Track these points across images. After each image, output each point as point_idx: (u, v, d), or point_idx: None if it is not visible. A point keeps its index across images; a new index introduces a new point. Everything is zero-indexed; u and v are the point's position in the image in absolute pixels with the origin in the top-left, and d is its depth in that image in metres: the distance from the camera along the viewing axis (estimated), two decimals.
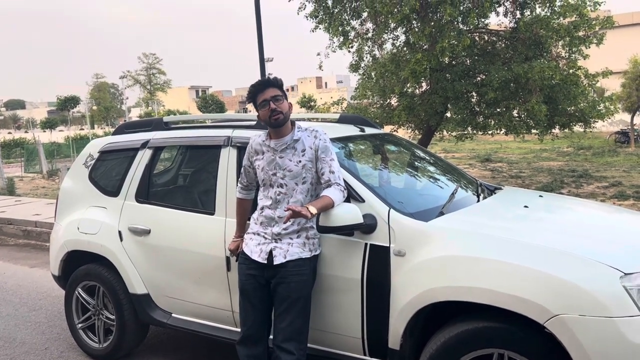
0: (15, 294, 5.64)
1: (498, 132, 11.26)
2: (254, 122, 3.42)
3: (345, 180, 2.84)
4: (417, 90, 11.37)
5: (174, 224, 3.47)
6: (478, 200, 3.31)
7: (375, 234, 2.74)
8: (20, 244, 8.32)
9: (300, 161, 2.78)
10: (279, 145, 2.82)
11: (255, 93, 2.81)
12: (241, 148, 3.30)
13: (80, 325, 4.00)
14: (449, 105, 10.94)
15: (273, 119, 2.76)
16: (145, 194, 3.70)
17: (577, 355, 2.21)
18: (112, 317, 3.79)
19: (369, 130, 3.80)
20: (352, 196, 2.84)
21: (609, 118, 11.17)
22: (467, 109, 10.92)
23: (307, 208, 2.57)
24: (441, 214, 2.84)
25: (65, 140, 31.01)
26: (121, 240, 3.69)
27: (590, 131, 11.95)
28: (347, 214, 2.65)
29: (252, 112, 3.30)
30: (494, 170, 16.85)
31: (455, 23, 10.09)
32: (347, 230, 2.70)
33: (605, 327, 2.19)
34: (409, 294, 2.58)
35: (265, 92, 2.77)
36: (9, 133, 60.63)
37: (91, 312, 3.95)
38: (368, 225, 2.73)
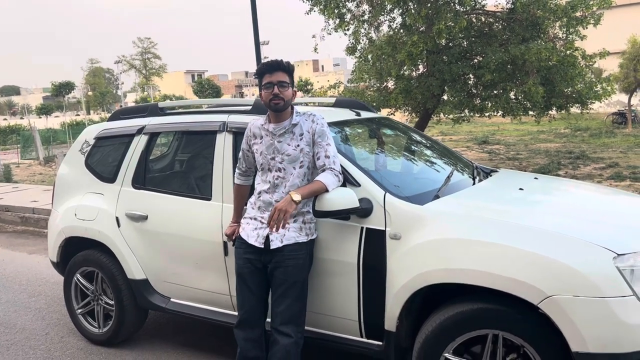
0: (14, 280, 5.67)
1: (495, 114, 11.25)
2: (250, 107, 3.41)
3: (341, 165, 2.85)
4: (413, 73, 11.32)
5: (171, 209, 3.48)
6: (474, 183, 3.32)
7: (371, 217, 2.75)
8: (19, 231, 8.33)
9: (298, 145, 2.79)
10: (277, 129, 2.82)
11: (264, 71, 2.79)
12: (237, 133, 3.30)
13: (79, 310, 4.03)
14: (445, 87, 10.90)
15: (273, 103, 2.76)
16: (141, 180, 3.70)
17: (570, 335, 2.25)
18: (111, 302, 3.82)
19: (365, 114, 3.80)
20: (348, 180, 2.85)
21: (606, 99, 11.16)
22: (464, 92, 10.88)
23: (291, 196, 2.59)
24: (436, 197, 2.86)
25: (61, 127, 30.88)
26: (119, 226, 3.70)
27: (587, 112, 11.93)
28: (343, 198, 2.66)
29: (248, 97, 3.30)
30: (491, 152, 16.85)
31: (452, 4, 10.01)
32: (343, 215, 2.72)
33: (598, 307, 2.22)
34: (404, 276, 2.60)
35: (274, 75, 2.75)
36: (4, 119, 60.26)
37: (90, 298, 3.97)
38: (364, 210, 2.74)
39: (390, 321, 2.70)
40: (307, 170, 2.82)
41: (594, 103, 11.06)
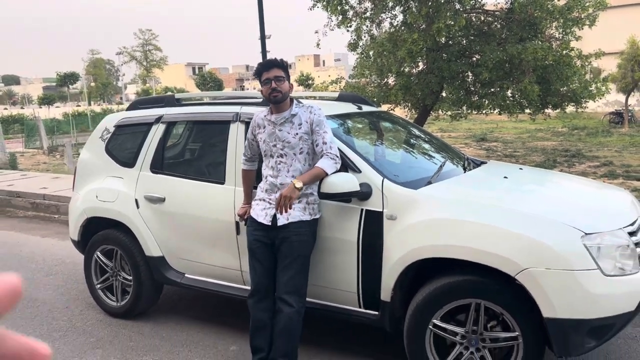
0: (31, 260, 5.99)
1: (492, 111, 11.57)
2: (260, 100, 3.73)
3: (343, 153, 3.17)
4: (414, 70, 11.62)
5: (187, 192, 3.81)
6: (465, 173, 3.64)
7: (370, 200, 3.08)
8: (30, 216, 8.64)
9: (297, 133, 3.11)
10: (278, 119, 3.15)
11: (261, 71, 3.13)
12: (249, 123, 3.61)
13: (99, 285, 4.36)
14: (444, 85, 11.21)
15: (272, 96, 3.10)
16: (159, 165, 4.02)
17: (542, 302, 2.58)
18: (129, 277, 4.14)
19: (366, 108, 4.12)
20: (349, 167, 3.17)
21: (600, 98, 11.47)
22: (462, 89, 11.19)
23: (294, 184, 2.93)
24: (429, 183, 3.18)
25: (64, 117, 31.13)
26: (137, 207, 4.02)
27: (582, 111, 12.24)
28: (345, 182, 2.99)
29: (249, 90, 3.61)
30: (488, 149, 17.15)
31: (452, 3, 10.31)
32: (345, 197, 3.05)
33: (567, 278, 2.56)
34: (399, 252, 2.93)
35: (270, 72, 3.10)
36: (5, 109, 60.45)
37: (109, 274, 4.30)
38: (364, 193, 3.06)
39: (386, 292, 3.03)
40: (307, 156, 3.14)
41: (588, 102, 11.37)
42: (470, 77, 11.27)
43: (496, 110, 11.48)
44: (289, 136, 3.11)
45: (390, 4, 10.60)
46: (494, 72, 10.33)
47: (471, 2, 10.11)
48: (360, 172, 3.15)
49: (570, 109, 11.98)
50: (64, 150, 16.95)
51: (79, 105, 54.93)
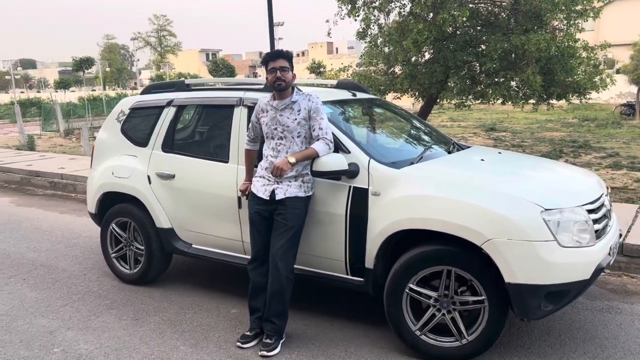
0: (50, 234, 6.43)
1: (495, 101, 11.78)
2: (262, 86, 4.07)
3: (335, 135, 3.51)
4: (420, 59, 11.85)
5: (194, 170, 4.17)
6: (447, 155, 3.96)
7: (358, 178, 3.42)
8: (48, 194, 9.10)
9: (295, 119, 3.45)
10: (280, 105, 3.49)
11: (267, 60, 3.47)
12: (251, 107, 3.96)
13: (114, 255, 4.76)
14: (449, 74, 11.43)
15: (276, 84, 3.43)
16: (170, 145, 4.39)
17: (504, 269, 2.92)
18: (141, 247, 4.54)
19: (360, 95, 4.45)
20: (340, 148, 3.51)
21: (604, 90, 11.63)
22: (467, 78, 11.41)
23: (287, 158, 3.29)
24: (411, 163, 3.52)
25: (80, 101, 31.74)
26: (149, 183, 4.40)
27: (594, 101, 12.39)
28: (335, 161, 3.33)
29: (262, 77, 3.95)
30: (497, 139, 17.34)
31: None
32: (335, 175, 3.39)
33: (526, 248, 2.89)
34: (381, 224, 3.28)
35: (276, 62, 3.42)
36: (22, 92, 61.44)
37: (123, 244, 4.70)
38: (352, 172, 3.41)
39: (369, 260, 3.39)
40: (304, 139, 3.48)
41: (591, 93, 11.54)
42: (476, 66, 11.48)
43: (500, 100, 11.69)
44: (288, 121, 3.45)
45: None
46: (499, 63, 10.53)
47: None
48: (349, 152, 3.48)
49: (574, 100, 12.15)
50: (80, 133, 17.45)
51: (94, 90, 55.70)
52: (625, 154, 13.77)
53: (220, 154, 4.14)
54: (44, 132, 22.17)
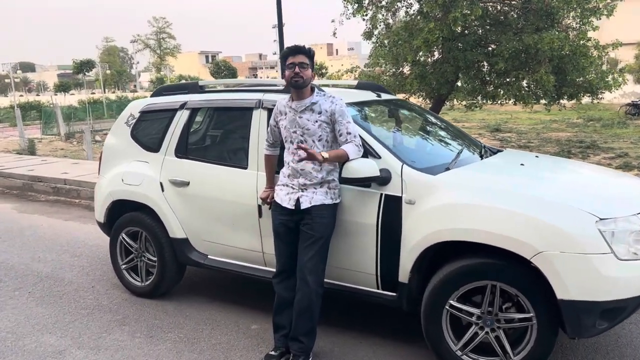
0: (55, 242, 6.18)
1: (507, 101, 11.56)
2: (282, 87, 3.84)
3: (363, 139, 3.27)
4: (429, 59, 11.64)
5: (211, 176, 3.93)
6: (481, 160, 3.72)
7: (390, 185, 3.18)
8: (51, 200, 8.85)
9: (317, 121, 3.21)
10: (299, 106, 3.24)
11: (287, 54, 3.23)
12: (271, 110, 3.71)
13: (124, 266, 4.52)
14: (460, 74, 11.22)
15: (293, 81, 3.19)
16: (184, 150, 4.15)
17: (556, 284, 2.67)
18: (154, 259, 4.29)
19: (384, 96, 4.21)
20: (369, 153, 3.27)
21: (617, 89, 11.42)
22: (477, 79, 11.19)
23: (321, 153, 3.03)
24: (447, 169, 3.28)
25: (80, 104, 31.47)
26: (162, 190, 4.15)
27: (598, 102, 12.19)
28: (366, 167, 3.09)
29: (261, 78, 3.71)
30: (502, 140, 17.12)
31: None
32: (365, 182, 3.15)
33: (581, 261, 2.65)
34: (417, 235, 3.04)
35: (296, 57, 3.19)
36: (21, 95, 61.15)
37: (134, 255, 4.45)
38: (383, 178, 3.16)
39: (404, 274, 3.14)
40: (325, 143, 3.23)
41: (604, 93, 11.33)
42: (486, 67, 11.27)
43: (511, 101, 11.48)
44: (308, 123, 3.21)
45: None
46: (510, 62, 10.32)
47: None
48: (380, 157, 3.24)
49: (585, 99, 11.93)
50: (81, 137, 17.22)
51: (94, 93, 55.47)
52: (635, 154, 13.57)
53: (238, 159, 3.90)
54: (44, 136, 21.92)
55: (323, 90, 3.38)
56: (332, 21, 12.95)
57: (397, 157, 3.24)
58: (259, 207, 3.66)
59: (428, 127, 4.22)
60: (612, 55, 11.24)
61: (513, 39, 10.19)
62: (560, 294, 2.68)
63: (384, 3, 11.82)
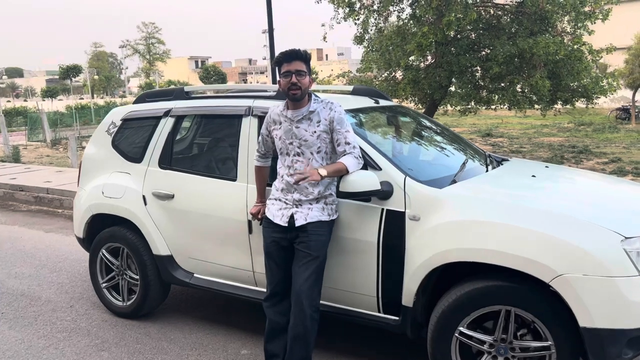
0: (34, 256, 5.85)
1: (501, 106, 11.38)
2: (274, 93, 3.57)
3: (362, 149, 3.01)
4: (422, 64, 11.43)
5: (197, 189, 3.65)
6: (487, 170, 3.47)
7: (391, 200, 2.92)
8: (33, 210, 8.50)
9: (315, 132, 2.93)
10: (295, 115, 2.97)
11: (281, 61, 2.93)
12: (262, 118, 3.45)
13: (104, 284, 4.21)
14: (453, 79, 11.02)
15: (291, 93, 2.90)
16: (168, 161, 3.86)
17: (579, 311, 2.42)
18: (136, 277, 3.99)
19: (382, 102, 3.96)
20: (369, 164, 3.01)
21: (612, 94, 11.28)
22: (471, 84, 11.00)
23: (318, 171, 2.76)
24: (454, 182, 3.02)
25: (67, 110, 30.97)
26: (145, 204, 3.86)
27: (593, 107, 12.06)
28: (365, 180, 2.82)
29: (251, 83, 3.44)
30: (494, 145, 16.97)
31: None
32: (365, 196, 2.89)
33: (606, 285, 2.39)
34: (423, 255, 2.77)
35: (292, 64, 2.89)
36: (8, 101, 60.31)
37: (115, 273, 4.15)
38: (385, 192, 2.90)
39: (408, 297, 2.88)
40: (325, 155, 2.97)
41: (600, 98, 11.18)
42: (480, 71, 11.08)
43: (505, 106, 11.29)
44: (306, 134, 2.94)
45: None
46: (504, 67, 10.14)
47: None
48: (380, 169, 2.98)
49: (579, 104, 11.78)
50: (67, 143, 16.81)
51: (82, 98, 54.88)
52: (627, 159, 13.49)
53: (227, 170, 3.62)
54: (29, 142, 21.46)
55: (318, 97, 3.12)
56: (323, 25, 12.72)
57: (399, 169, 2.97)
58: (249, 222, 3.38)
59: (429, 136, 3.95)
60: (601, 60, 11.13)
61: (507, 43, 10.02)
62: (583, 321, 2.43)
63: (375, 7, 11.61)
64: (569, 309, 2.46)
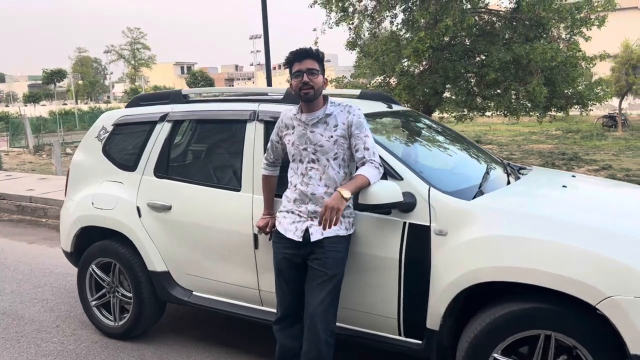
0: (16, 270, 5.50)
1: (497, 113, 11.25)
2: (281, 97, 3.32)
3: (381, 158, 2.77)
4: (416, 70, 11.27)
5: (197, 200, 3.37)
6: (508, 180, 3.25)
7: (415, 212, 2.68)
8: (15, 220, 8.12)
9: (332, 136, 2.70)
10: (310, 119, 2.73)
11: (292, 61, 2.72)
12: (268, 123, 3.20)
13: (94, 302, 3.90)
14: (448, 85, 10.87)
15: (303, 92, 2.67)
16: (164, 169, 3.58)
17: (630, 337, 2.18)
18: (129, 294, 3.70)
19: (395, 107, 3.72)
20: (389, 174, 2.76)
21: (607, 101, 11.22)
22: (465, 90, 10.85)
23: (340, 193, 2.51)
24: (480, 193, 2.78)
25: (50, 115, 30.35)
26: (140, 216, 3.57)
27: (587, 114, 12.00)
28: (387, 192, 2.58)
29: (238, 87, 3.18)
30: None
31: (459, 1, 9.96)
32: (386, 209, 2.64)
33: None
34: (452, 274, 2.53)
35: (303, 63, 2.67)
36: None
37: (106, 290, 3.84)
38: (407, 204, 2.66)
39: (434, 319, 2.63)
40: (342, 162, 2.73)
41: (595, 104, 11.11)
42: (475, 78, 10.94)
43: (498, 112, 11.15)
44: (322, 139, 2.69)
45: (400, 4, 10.12)
46: (500, 73, 10.02)
47: (481, 0, 9.77)
48: (402, 179, 2.74)
49: (573, 111, 11.71)
50: (50, 150, 16.36)
51: (66, 104, 54.06)
52: (618, 166, 13.50)
53: (230, 180, 3.35)
54: (11, 149, 20.91)
55: (335, 100, 2.87)
56: (314, 30, 12.52)
57: (422, 179, 2.73)
58: (255, 236, 3.11)
59: (446, 143, 3.71)
60: (593, 67, 11.12)
61: (502, 50, 9.89)
62: (634, 348, 2.19)
63: (369, 12, 11.43)
64: (617, 334, 2.23)
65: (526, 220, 2.50)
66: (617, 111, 25.07)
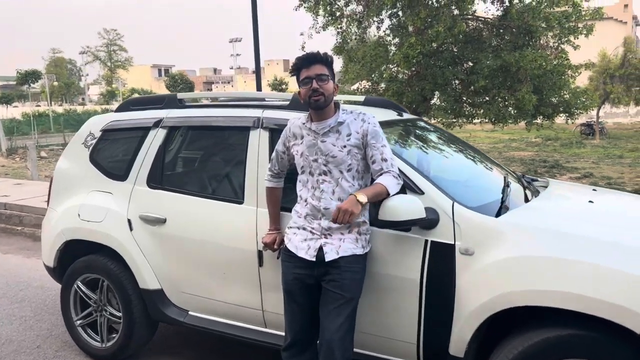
0: None
1: (485, 120, 11.22)
2: (287, 102, 3.10)
3: (401, 170, 2.57)
4: (404, 76, 11.17)
5: (194, 212, 3.13)
6: (525, 194, 3.08)
7: (437, 229, 2.49)
8: None
9: (345, 146, 2.50)
10: (321, 128, 2.53)
11: (299, 67, 2.52)
12: (273, 130, 2.98)
13: (79, 322, 3.62)
14: (436, 92, 10.79)
15: (313, 100, 2.47)
16: (158, 179, 3.32)
17: None
18: (118, 314, 3.42)
19: (405, 115, 3.53)
20: (409, 187, 2.57)
21: (593, 109, 11.29)
22: (453, 97, 10.80)
23: (356, 197, 2.31)
24: (505, 208, 2.60)
25: (24, 117, 29.52)
26: (131, 229, 3.31)
27: (573, 122, 12.07)
28: (408, 207, 2.39)
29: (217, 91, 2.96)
30: None
31: (449, 8, 9.90)
32: (406, 226, 2.45)
33: None
34: (480, 297, 2.34)
35: (311, 69, 2.48)
36: None
37: (92, 308, 3.56)
38: (429, 220, 2.47)
39: (458, 345, 2.44)
40: (356, 174, 2.53)
41: (582, 113, 11.17)
42: (463, 85, 10.89)
43: (487, 120, 11.12)
44: (334, 149, 2.49)
45: (389, 4, 9.98)
46: (489, 80, 9.99)
47: (470, 7, 9.71)
48: (422, 193, 2.55)
49: (558, 119, 11.77)
50: (24, 153, 15.81)
51: (39, 105, 52.79)
52: (599, 174, 13.65)
53: (231, 191, 3.12)
54: None
55: (346, 107, 2.67)
56: (301, 34, 12.35)
57: (445, 193, 2.54)
58: (260, 252, 2.88)
59: (461, 154, 3.51)
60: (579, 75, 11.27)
61: (491, 57, 9.86)
62: None
63: (357, 17, 11.29)
64: None
65: (562, 239, 2.32)
66: (595, 120, 25.47)
